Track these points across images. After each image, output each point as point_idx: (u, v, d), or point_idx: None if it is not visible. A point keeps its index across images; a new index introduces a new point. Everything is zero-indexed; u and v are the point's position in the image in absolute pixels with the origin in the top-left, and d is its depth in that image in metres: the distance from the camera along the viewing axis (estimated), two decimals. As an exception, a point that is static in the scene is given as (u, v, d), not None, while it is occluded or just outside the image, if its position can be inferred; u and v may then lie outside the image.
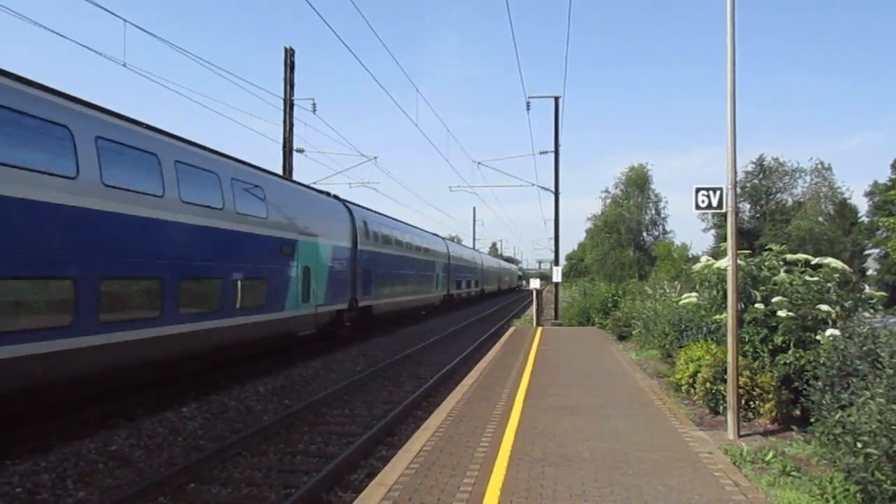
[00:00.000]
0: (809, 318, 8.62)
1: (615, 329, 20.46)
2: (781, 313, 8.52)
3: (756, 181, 55.69)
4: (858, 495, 5.08)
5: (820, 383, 6.47)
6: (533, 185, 34.50)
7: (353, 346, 19.53)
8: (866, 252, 53.78)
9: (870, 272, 51.58)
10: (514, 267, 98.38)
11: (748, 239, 47.11)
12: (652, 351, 15.10)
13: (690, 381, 9.54)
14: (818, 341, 8.04)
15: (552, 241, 31.76)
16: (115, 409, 10.30)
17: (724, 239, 8.65)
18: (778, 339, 8.66)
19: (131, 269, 9.87)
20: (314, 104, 23.42)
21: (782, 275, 9.36)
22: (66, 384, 8.98)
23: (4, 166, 7.69)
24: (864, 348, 6.13)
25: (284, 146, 21.94)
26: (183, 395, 11.65)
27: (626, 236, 51.68)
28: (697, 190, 8.07)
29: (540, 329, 23.81)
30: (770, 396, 8.28)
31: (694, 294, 11.30)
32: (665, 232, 52.43)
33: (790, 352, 8.42)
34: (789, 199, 55.23)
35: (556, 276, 29.88)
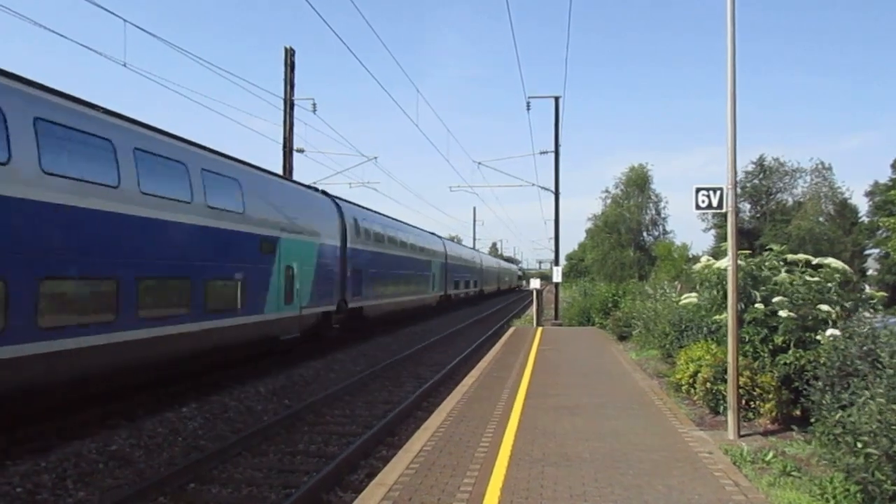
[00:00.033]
0: (810, 318, 8.62)
1: (615, 329, 20.46)
2: (782, 313, 8.52)
3: (756, 181, 55.69)
4: (859, 495, 5.08)
5: (820, 383, 6.47)
6: (533, 185, 34.48)
7: (353, 346, 19.53)
8: (867, 252, 53.78)
9: (870, 272, 51.55)
10: (513, 267, 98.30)
11: (748, 239, 47.11)
12: (652, 351, 15.10)
13: (691, 381, 9.54)
14: (818, 341, 8.04)
15: (552, 241, 31.82)
16: (116, 409, 10.29)
17: (725, 239, 8.66)
18: (778, 339, 8.66)
19: (80, 268, 8.86)
20: (314, 104, 23.46)
21: (783, 275, 9.36)
22: None
23: None
24: (865, 348, 6.13)
25: (285, 146, 21.95)
26: (183, 395, 11.65)
27: (627, 236, 51.71)
28: (698, 190, 8.07)
29: (540, 329, 23.81)
30: (770, 396, 8.28)
31: (694, 294, 11.30)
32: (665, 232, 52.53)
33: (790, 352, 8.42)
34: (789, 199, 55.27)
35: (557, 276, 29.89)
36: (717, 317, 9.92)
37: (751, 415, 8.43)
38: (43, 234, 8.28)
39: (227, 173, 12.86)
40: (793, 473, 6.25)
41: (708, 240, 58.19)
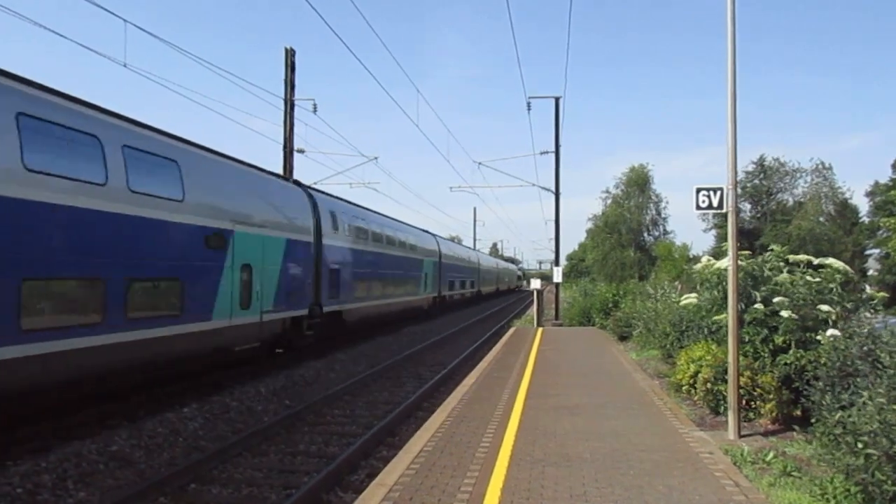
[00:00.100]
0: (810, 318, 8.62)
1: (616, 329, 20.46)
2: (784, 313, 8.53)
3: (756, 181, 55.64)
4: (859, 496, 5.08)
5: (820, 383, 6.47)
6: (533, 185, 34.49)
7: (354, 346, 19.53)
8: (867, 252, 53.77)
9: (871, 272, 51.53)
10: (513, 267, 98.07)
11: (749, 239, 47.10)
12: (653, 351, 15.10)
13: (691, 381, 9.54)
14: (819, 341, 8.04)
15: (553, 242, 31.81)
16: (116, 409, 10.30)
17: (725, 239, 8.66)
18: (779, 340, 8.67)
19: None
20: (315, 104, 23.50)
21: (784, 275, 9.37)
22: None
23: None
24: (865, 348, 6.13)
25: (285, 147, 21.95)
26: (183, 395, 11.65)
27: (627, 236, 51.70)
28: (698, 190, 8.07)
29: (540, 329, 23.81)
30: (771, 397, 8.28)
31: (694, 295, 11.30)
32: (666, 232, 52.50)
33: (791, 352, 8.42)
34: (790, 200, 55.19)
35: (557, 276, 29.89)
36: (717, 317, 9.92)
37: (751, 415, 8.43)
38: None
39: (161, 152, 10.82)
40: (793, 474, 6.25)
41: (708, 240, 58.18)
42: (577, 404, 9.54)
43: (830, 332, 7.72)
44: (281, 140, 22.02)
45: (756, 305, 8.94)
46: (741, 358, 8.13)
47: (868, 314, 8.50)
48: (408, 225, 30.35)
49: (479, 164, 40.17)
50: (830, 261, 9.38)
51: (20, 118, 8.01)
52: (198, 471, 7.68)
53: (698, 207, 8.08)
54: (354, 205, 22.19)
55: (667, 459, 6.68)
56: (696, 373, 9.35)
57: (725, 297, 8.44)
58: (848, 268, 9.40)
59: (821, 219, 52.02)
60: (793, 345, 8.52)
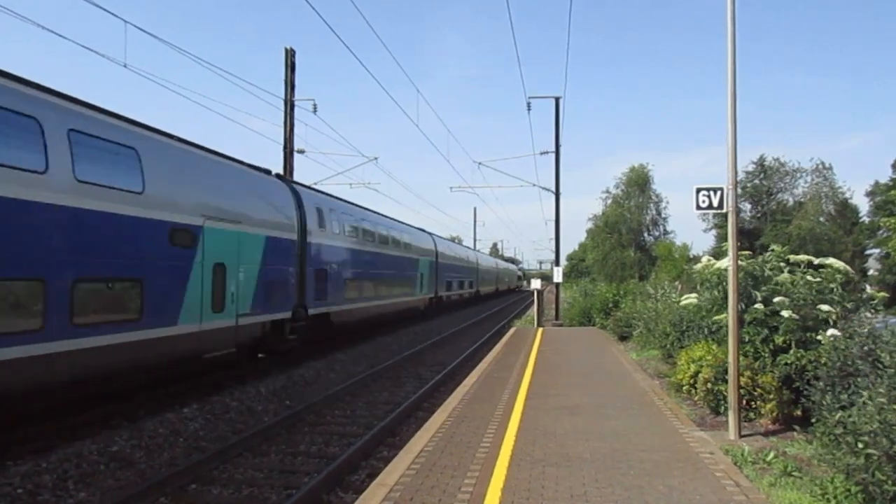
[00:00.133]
0: (810, 318, 8.62)
1: (616, 329, 20.46)
2: (785, 313, 8.53)
3: (757, 181, 55.61)
4: (859, 496, 5.09)
5: (821, 383, 6.47)
6: (534, 185, 34.59)
7: (354, 346, 19.54)
8: (867, 252, 53.77)
9: (871, 272, 51.53)
10: (513, 267, 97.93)
11: (749, 239, 47.10)
12: (653, 351, 15.10)
13: (691, 381, 9.54)
14: (819, 341, 8.04)
15: (553, 242, 31.80)
16: (117, 409, 10.31)
17: (725, 239, 8.66)
18: (779, 340, 8.67)
19: None
20: (315, 105, 23.51)
21: (784, 275, 9.37)
22: None
23: None
24: (865, 348, 6.13)
25: (285, 147, 21.96)
26: (184, 395, 11.65)
27: (627, 236, 51.71)
28: (698, 190, 8.07)
29: (541, 330, 23.82)
30: (771, 397, 8.28)
31: (694, 295, 11.30)
32: (666, 232, 52.52)
33: (791, 352, 8.43)
34: (790, 199, 55.17)
35: (557, 276, 29.89)
36: (717, 317, 9.92)
37: (752, 415, 8.43)
38: None
39: (117, 139, 9.81)
40: (794, 474, 6.25)
41: (709, 240, 58.19)
42: (578, 404, 9.54)
43: (831, 331, 7.73)
44: (281, 140, 22.04)
45: (756, 305, 8.94)
46: (741, 358, 8.14)
47: (868, 314, 8.51)
48: (402, 223, 29.34)
49: (480, 164, 40.13)
50: (831, 261, 9.38)
51: None
52: (198, 471, 7.69)
53: (698, 207, 8.08)
54: (345, 201, 21.22)
55: (667, 459, 6.69)
56: (697, 373, 9.35)
57: (726, 297, 8.44)
58: (848, 268, 9.41)
59: (821, 219, 52.01)
60: (793, 345, 8.52)
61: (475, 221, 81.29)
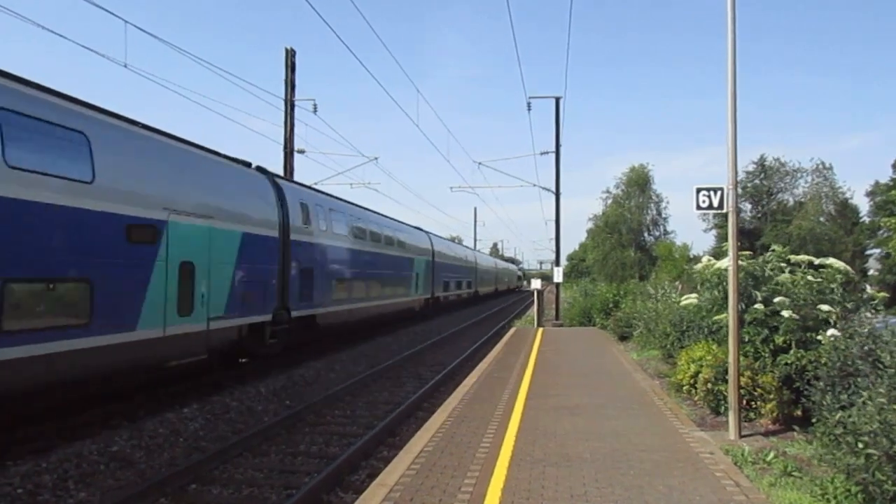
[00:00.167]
0: (811, 318, 8.62)
1: (616, 329, 20.47)
2: (785, 313, 8.53)
3: (757, 181, 55.62)
4: (860, 496, 5.08)
5: (821, 383, 6.47)
6: (534, 185, 34.63)
7: (354, 346, 19.54)
8: (868, 252, 53.78)
9: (871, 272, 51.52)
10: (513, 267, 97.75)
11: (749, 239, 47.11)
12: (653, 351, 15.10)
13: (692, 381, 9.54)
14: (819, 341, 8.04)
15: (553, 242, 31.79)
16: (117, 409, 10.30)
17: (726, 239, 8.66)
18: (779, 340, 8.67)
19: None
20: (315, 105, 23.52)
21: (785, 275, 9.37)
22: None
23: None
24: (865, 348, 6.13)
25: (285, 147, 21.97)
26: (184, 395, 11.65)
27: (628, 237, 51.77)
28: (698, 190, 8.07)
29: (541, 330, 23.82)
30: (771, 397, 8.28)
31: (694, 295, 11.30)
32: (666, 232, 52.59)
33: (791, 352, 8.43)
34: (790, 199, 55.19)
35: (558, 276, 29.89)
36: (717, 317, 9.92)
37: (752, 415, 8.43)
38: None
39: (62, 122, 8.71)
40: (794, 474, 6.25)
41: (709, 240, 58.19)
42: (578, 404, 9.54)
43: (831, 331, 7.72)
44: (281, 140, 22.05)
45: (756, 305, 8.94)
46: (742, 358, 8.14)
47: (868, 314, 8.50)
48: (397, 221, 28.24)
49: (480, 164, 39.99)
50: (831, 261, 9.38)
51: None
52: (198, 471, 7.68)
53: (698, 207, 8.08)
54: (334, 197, 20.08)
55: (667, 459, 6.69)
56: (697, 373, 9.36)
57: (726, 297, 8.44)
58: (848, 268, 9.41)
59: (821, 219, 52.02)
60: (793, 345, 8.52)
61: (475, 221, 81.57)
